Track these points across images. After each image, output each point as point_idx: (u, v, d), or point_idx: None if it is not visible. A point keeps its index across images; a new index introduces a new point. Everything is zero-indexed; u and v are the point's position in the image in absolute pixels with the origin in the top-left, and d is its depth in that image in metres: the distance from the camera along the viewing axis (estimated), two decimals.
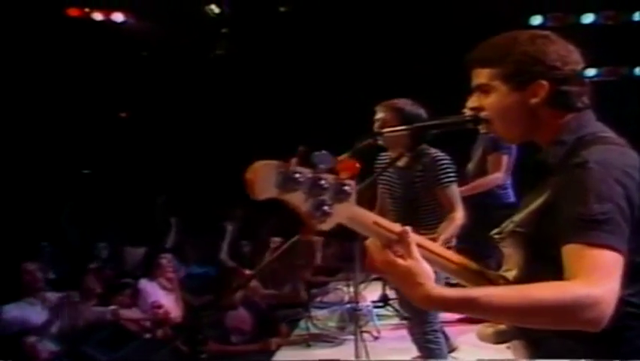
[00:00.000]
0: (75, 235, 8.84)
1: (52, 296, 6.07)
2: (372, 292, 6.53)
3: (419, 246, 1.57)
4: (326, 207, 1.45)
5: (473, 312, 1.49)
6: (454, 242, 4.03)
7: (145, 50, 9.87)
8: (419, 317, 4.07)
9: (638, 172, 1.57)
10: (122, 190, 9.73)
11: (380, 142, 3.73)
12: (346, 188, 1.48)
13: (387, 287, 6.42)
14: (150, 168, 9.98)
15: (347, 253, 5.39)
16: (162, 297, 6.36)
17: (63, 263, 7.55)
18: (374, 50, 9.05)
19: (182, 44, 9.45)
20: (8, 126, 8.50)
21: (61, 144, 9.32)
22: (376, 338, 5.70)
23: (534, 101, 1.70)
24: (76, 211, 9.23)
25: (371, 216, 1.57)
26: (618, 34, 8.89)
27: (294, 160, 1.44)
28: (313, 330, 6.18)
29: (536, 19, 8.97)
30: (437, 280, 1.54)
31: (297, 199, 1.44)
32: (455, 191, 3.99)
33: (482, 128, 1.78)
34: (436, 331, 4.10)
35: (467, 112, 1.79)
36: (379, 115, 4.01)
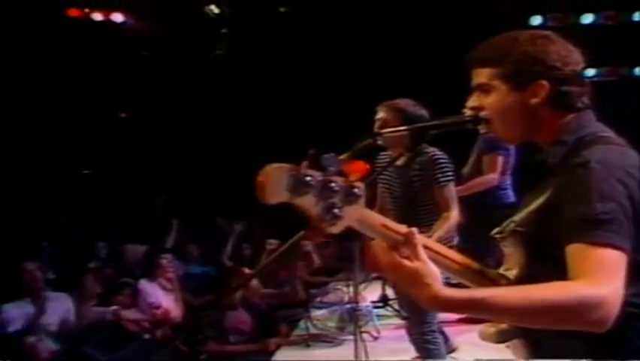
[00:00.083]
0: (75, 235, 8.84)
1: (53, 295, 6.07)
2: (371, 293, 6.53)
3: (423, 247, 1.56)
4: (336, 210, 1.44)
5: (480, 313, 1.49)
6: (455, 241, 4.04)
7: (145, 51, 9.86)
8: (417, 317, 4.07)
9: (638, 171, 1.57)
10: (122, 190, 9.73)
11: (380, 142, 3.73)
12: (356, 190, 1.48)
13: (386, 287, 6.43)
14: (150, 168, 9.98)
15: (347, 253, 5.38)
16: (162, 297, 6.36)
17: (63, 263, 7.54)
18: (374, 50, 9.05)
19: (182, 45, 9.45)
20: (8, 126, 8.49)
21: (61, 144, 9.32)
22: (376, 338, 5.70)
23: (534, 101, 1.70)
24: (77, 211, 9.23)
25: (379, 218, 1.57)
26: (618, 34, 8.89)
27: (304, 163, 1.43)
28: (313, 330, 6.18)
29: (536, 20, 8.98)
30: None
31: (308, 203, 1.43)
32: (452, 190, 4.00)
33: (482, 129, 1.78)
34: (434, 331, 4.10)
35: (467, 112, 1.79)
36: (380, 115, 4.01)
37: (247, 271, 6.41)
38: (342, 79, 9.25)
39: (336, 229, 1.47)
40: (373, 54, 9.04)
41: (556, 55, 1.70)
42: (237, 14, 9.49)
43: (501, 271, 1.71)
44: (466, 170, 5.64)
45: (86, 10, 9.05)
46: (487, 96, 1.74)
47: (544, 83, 1.69)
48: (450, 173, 4.00)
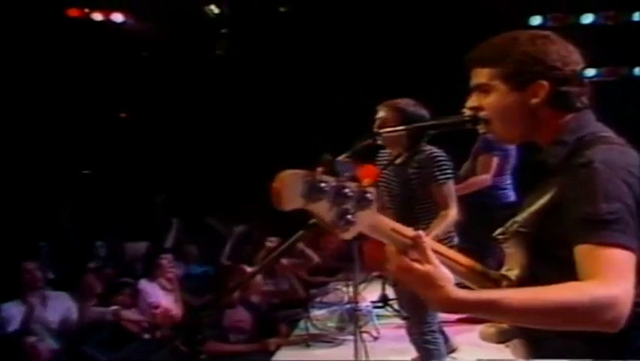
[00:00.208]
0: (75, 235, 8.84)
1: (53, 295, 6.07)
2: (371, 293, 6.54)
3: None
4: (349, 216, 1.44)
5: (493, 314, 1.49)
6: (455, 241, 4.04)
7: (145, 51, 9.86)
8: (417, 317, 4.07)
9: (639, 170, 1.57)
10: (122, 190, 9.72)
11: (379, 142, 3.73)
12: (368, 195, 1.47)
13: (386, 287, 6.43)
14: (150, 168, 9.98)
15: (346, 253, 5.38)
16: (162, 297, 6.36)
17: (62, 263, 7.54)
18: (374, 50, 9.05)
19: (182, 45, 9.45)
20: (8, 126, 8.49)
21: (61, 144, 9.32)
22: (376, 338, 5.70)
23: (534, 101, 1.70)
24: (77, 211, 9.23)
25: (389, 223, 1.56)
26: (618, 34, 8.89)
27: (319, 169, 1.43)
28: (313, 330, 6.18)
29: (536, 20, 8.98)
30: None
31: (322, 209, 1.42)
32: (450, 189, 4.00)
33: (481, 129, 1.78)
34: (434, 331, 4.10)
35: (466, 112, 1.79)
36: (380, 114, 4.02)
37: (247, 268, 6.40)
38: (342, 79, 9.25)
39: (348, 235, 1.46)
40: (373, 54, 9.04)
41: (556, 55, 1.70)
42: (237, 14, 9.49)
43: (503, 271, 1.71)
44: (462, 170, 5.64)
45: (86, 10, 9.05)
46: (487, 96, 1.74)
47: (544, 83, 1.69)
48: (449, 171, 4.00)
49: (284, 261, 7.06)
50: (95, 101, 9.49)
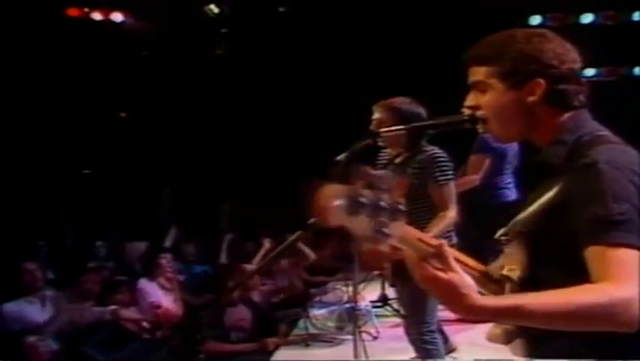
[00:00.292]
0: (74, 235, 8.84)
1: (52, 294, 6.07)
2: (371, 292, 6.53)
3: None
4: (386, 229, 1.43)
5: (516, 319, 1.49)
6: (454, 241, 4.03)
7: (144, 50, 9.86)
8: (416, 317, 4.07)
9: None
10: (121, 190, 9.72)
11: (380, 142, 3.72)
12: (401, 207, 1.46)
13: (386, 287, 6.42)
14: (150, 168, 9.98)
15: (346, 253, 5.39)
16: (162, 297, 6.36)
17: (61, 263, 7.54)
18: (373, 50, 9.05)
19: (182, 44, 9.45)
20: (8, 126, 8.49)
21: (61, 143, 9.32)
22: (375, 337, 5.70)
23: (531, 99, 1.69)
24: (75, 211, 9.23)
25: (415, 233, 1.56)
26: (617, 34, 8.89)
27: (360, 183, 1.42)
28: (312, 330, 6.17)
29: (536, 19, 8.99)
30: None
31: (361, 223, 1.41)
32: (451, 190, 3.97)
33: (479, 128, 1.77)
34: (432, 331, 4.09)
35: (465, 111, 1.79)
36: (376, 115, 4.00)
37: (246, 267, 6.41)
38: (341, 79, 9.25)
39: (385, 247, 1.45)
40: (372, 54, 9.04)
41: (553, 53, 1.69)
42: (237, 14, 9.49)
43: (504, 272, 1.70)
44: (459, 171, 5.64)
45: (86, 9, 9.05)
46: (484, 95, 1.73)
47: (541, 81, 1.68)
48: (449, 172, 3.98)
49: (282, 262, 7.06)
50: (94, 100, 9.49)
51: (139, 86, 9.80)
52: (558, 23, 8.81)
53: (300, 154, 9.61)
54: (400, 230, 1.48)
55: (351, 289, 5.27)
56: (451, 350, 4.97)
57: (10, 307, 5.82)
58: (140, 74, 9.69)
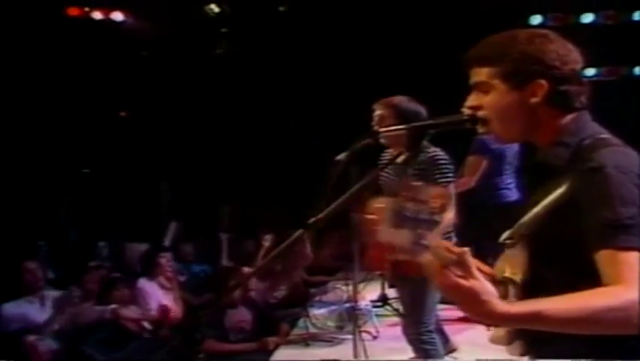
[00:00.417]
0: (73, 234, 8.84)
1: (52, 294, 6.07)
2: (371, 292, 6.53)
3: None
4: (424, 241, 1.44)
5: (536, 325, 1.49)
6: (454, 241, 4.03)
7: (145, 50, 9.86)
8: (414, 317, 4.07)
9: None
10: (121, 190, 9.72)
11: (382, 141, 3.73)
12: (437, 218, 1.47)
13: (385, 287, 6.42)
14: (149, 167, 9.97)
15: (346, 253, 5.39)
16: (161, 296, 6.35)
17: (61, 262, 7.54)
18: (373, 50, 9.05)
19: (182, 44, 9.45)
20: (8, 125, 8.49)
21: (61, 143, 9.32)
22: (375, 337, 5.70)
23: (533, 100, 1.69)
24: (75, 210, 9.23)
25: (442, 241, 1.57)
26: (618, 33, 8.89)
27: (403, 195, 1.43)
28: (312, 329, 6.18)
29: (536, 19, 8.97)
30: None
31: (403, 236, 1.43)
32: (450, 192, 3.98)
33: (479, 128, 1.77)
34: (430, 331, 4.10)
35: (465, 111, 1.78)
36: (377, 112, 4.04)
37: (246, 269, 6.40)
38: (341, 78, 9.25)
39: (422, 258, 1.45)
40: (372, 54, 9.03)
41: (555, 54, 1.69)
42: (237, 13, 9.49)
43: (507, 275, 1.70)
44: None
45: (86, 9, 9.05)
46: (486, 95, 1.73)
47: (543, 82, 1.68)
48: (450, 174, 3.99)
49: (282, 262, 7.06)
50: (94, 100, 9.48)
51: (139, 86, 9.79)
52: (558, 23, 8.80)
53: (300, 154, 9.62)
54: (435, 241, 1.49)
55: (351, 288, 5.27)
56: (451, 350, 4.97)
57: (11, 306, 5.83)
58: (141, 73, 9.69)
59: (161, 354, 5.51)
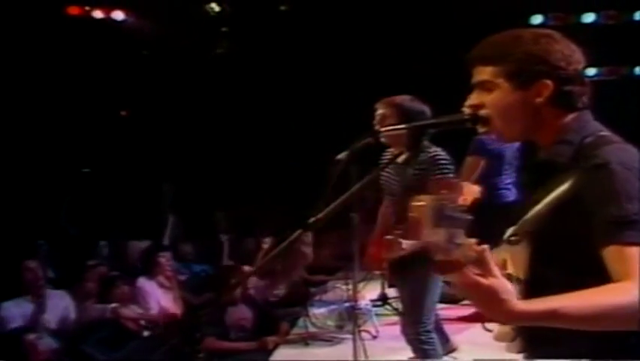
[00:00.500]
0: (73, 234, 8.84)
1: (52, 293, 6.07)
2: (371, 291, 6.53)
3: None
4: (457, 240, 1.42)
5: (553, 323, 1.49)
6: None
7: (145, 49, 9.86)
8: (413, 317, 4.07)
9: None
10: (121, 189, 9.72)
11: (382, 140, 3.73)
12: (468, 216, 1.45)
13: (385, 286, 6.42)
14: (150, 166, 9.97)
15: (346, 252, 5.38)
16: (161, 296, 6.36)
17: (61, 261, 7.53)
18: (374, 50, 9.05)
19: (183, 43, 9.45)
20: (9, 125, 8.49)
21: (61, 142, 9.32)
22: (375, 336, 5.70)
23: (538, 100, 1.69)
24: (75, 209, 9.23)
25: (469, 240, 1.54)
26: (619, 33, 8.89)
27: (442, 192, 1.42)
28: (312, 329, 6.18)
29: (537, 19, 8.98)
30: None
31: (439, 235, 1.41)
32: None
33: (480, 127, 1.77)
34: (429, 331, 4.10)
35: (466, 110, 1.78)
36: (379, 112, 4.04)
37: (246, 268, 6.41)
38: (341, 78, 9.25)
39: (454, 257, 1.43)
40: (373, 53, 9.03)
41: (560, 54, 1.69)
42: (238, 13, 9.49)
43: (509, 271, 1.70)
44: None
45: (87, 8, 9.06)
46: (489, 94, 1.72)
47: (548, 82, 1.68)
48: (450, 174, 3.98)
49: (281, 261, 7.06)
50: (95, 99, 9.49)
51: (139, 85, 9.80)
52: (559, 23, 8.81)
53: (300, 153, 9.62)
54: (464, 238, 1.46)
55: (350, 288, 5.27)
56: (451, 349, 4.97)
57: (11, 305, 5.83)
58: (141, 72, 9.69)
59: (160, 354, 5.50)
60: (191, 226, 9.07)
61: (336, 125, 7.96)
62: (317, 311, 6.49)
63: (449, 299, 5.22)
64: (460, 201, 1.46)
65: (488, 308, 1.48)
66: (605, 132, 1.69)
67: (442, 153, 3.98)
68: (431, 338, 4.10)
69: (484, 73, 1.73)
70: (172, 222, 8.71)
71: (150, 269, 6.55)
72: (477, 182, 5.56)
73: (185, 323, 6.09)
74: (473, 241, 1.49)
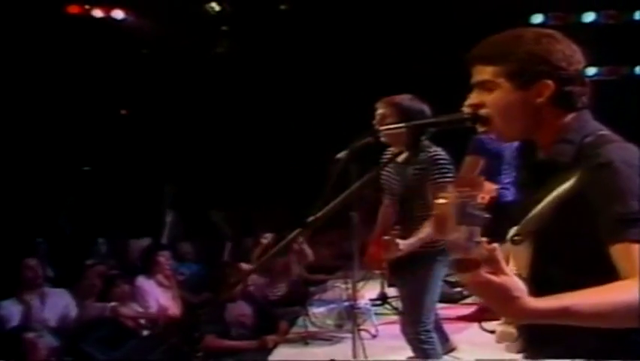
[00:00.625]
0: (73, 232, 8.84)
1: (52, 291, 6.07)
2: (370, 290, 6.52)
3: None
4: (476, 238, 1.42)
5: (565, 320, 1.49)
6: None
7: (145, 48, 9.86)
8: (413, 316, 4.07)
9: None
10: (121, 188, 9.73)
11: (382, 139, 3.73)
12: (486, 214, 1.45)
13: (385, 285, 6.42)
14: (149, 165, 9.98)
15: (345, 251, 5.38)
16: (160, 294, 6.36)
17: (60, 260, 7.54)
18: (374, 49, 9.05)
19: (183, 42, 9.45)
20: (9, 124, 8.49)
21: (61, 141, 9.32)
22: (374, 336, 5.70)
23: (539, 100, 1.69)
24: (75, 208, 9.23)
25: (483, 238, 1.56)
26: (619, 33, 8.89)
27: (464, 190, 1.42)
28: (311, 328, 6.17)
29: (537, 18, 8.98)
30: None
31: (460, 232, 1.42)
32: None
33: (480, 127, 1.77)
34: (428, 331, 4.10)
35: (466, 110, 1.78)
36: (379, 111, 4.03)
37: (245, 266, 6.41)
38: (341, 78, 9.25)
39: (473, 255, 1.43)
40: (373, 53, 9.03)
41: (561, 54, 1.69)
42: (238, 12, 9.49)
43: (513, 270, 1.70)
44: None
45: (87, 6, 9.06)
46: (490, 94, 1.72)
47: (549, 82, 1.68)
48: (449, 174, 3.97)
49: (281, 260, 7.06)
50: (95, 98, 9.49)
51: (139, 84, 9.80)
52: (559, 22, 8.81)
53: (299, 153, 9.62)
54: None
55: (350, 287, 5.27)
56: (451, 349, 4.97)
57: (10, 303, 5.83)
58: (141, 71, 9.69)
59: (159, 352, 5.51)
60: (191, 225, 9.06)
61: (336, 124, 7.95)
62: (316, 310, 6.48)
63: (449, 299, 5.22)
64: (479, 199, 1.46)
65: (501, 306, 1.47)
66: (605, 131, 1.69)
67: (442, 152, 3.97)
68: (431, 338, 4.10)
69: (484, 72, 1.73)
70: (170, 221, 8.71)
71: (149, 268, 6.56)
72: None
73: (184, 322, 6.09)
74: (484, 239, 1.49)
